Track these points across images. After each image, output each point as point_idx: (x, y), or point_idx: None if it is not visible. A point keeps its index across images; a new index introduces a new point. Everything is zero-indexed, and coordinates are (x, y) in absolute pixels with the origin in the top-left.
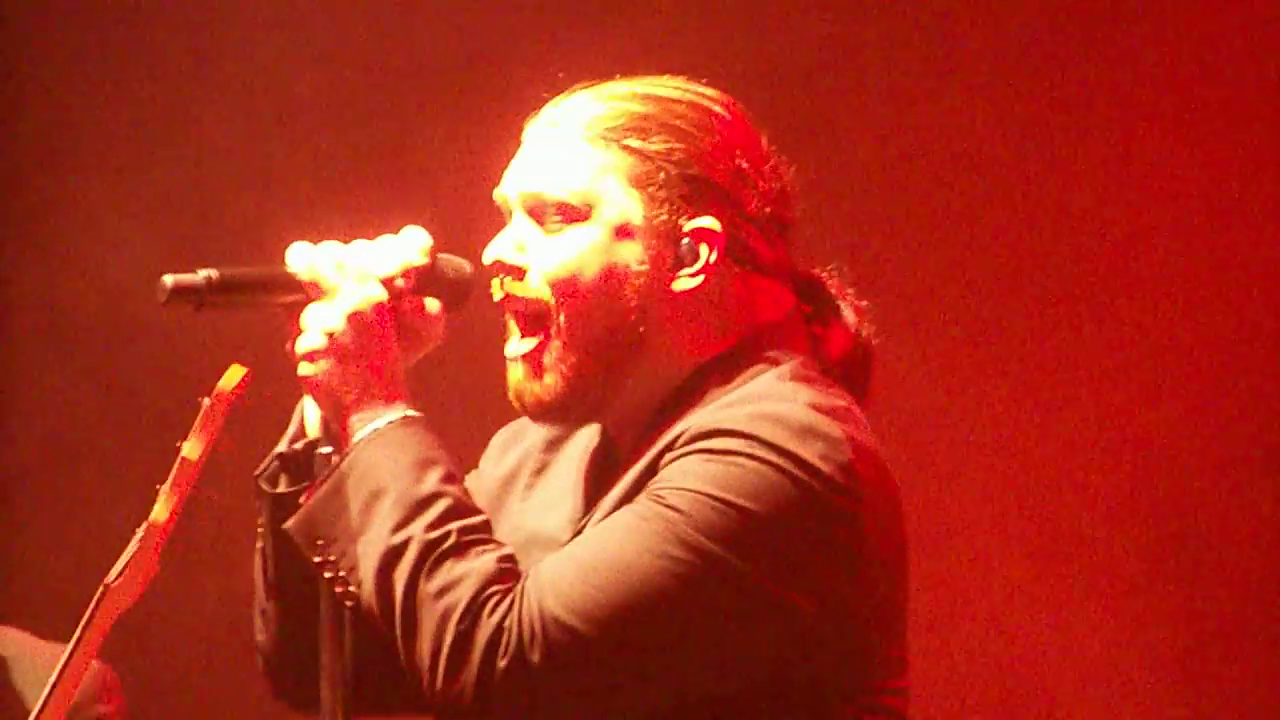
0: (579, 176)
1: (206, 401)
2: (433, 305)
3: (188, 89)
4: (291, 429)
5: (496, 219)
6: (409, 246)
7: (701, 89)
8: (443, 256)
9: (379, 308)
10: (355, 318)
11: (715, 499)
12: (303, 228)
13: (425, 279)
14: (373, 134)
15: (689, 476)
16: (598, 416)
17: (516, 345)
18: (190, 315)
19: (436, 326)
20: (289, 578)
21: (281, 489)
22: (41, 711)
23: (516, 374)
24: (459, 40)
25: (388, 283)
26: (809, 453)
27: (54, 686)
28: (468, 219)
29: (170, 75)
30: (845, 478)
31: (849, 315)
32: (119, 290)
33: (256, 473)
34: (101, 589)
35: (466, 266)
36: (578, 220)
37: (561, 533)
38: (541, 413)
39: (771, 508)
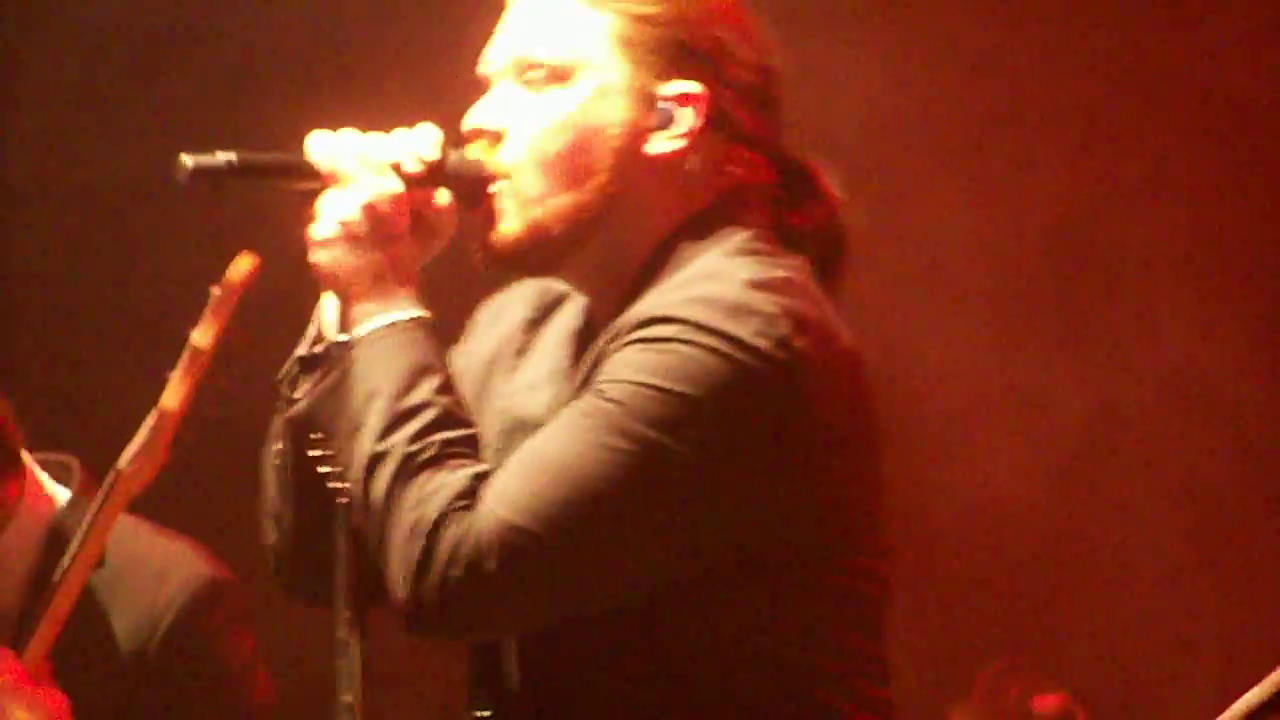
0: (564, 37)
1: (216, 290)
2: (442, 198)
3: None
4: (311, 331)
5: None
6: (423, 140)
7: None
8: (455, 152)
9: (395, 199)
10: (370, 208)
11: (652, 387)
12: (321, 117)
13: (437, 174)
14: (394, 27)
15: (626, 367)
16: (557, 272)
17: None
18: (207, 196)
19: (448, 221)
20: (306, 481)
21: (301, 394)
22: (55, 595)
23: (481, 214)
24: None
25: (401, 174)
26: (743, 330)
27: (66, 572)
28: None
29: None
30: (783, 352)
31: (824, 200)
32: (127, 176)
33: (277, 377)
34: (112, 474)
35: (481, 163)
36: (559, 80)
37: (547, 416)
38: (494, 258)
39: (709, 389)
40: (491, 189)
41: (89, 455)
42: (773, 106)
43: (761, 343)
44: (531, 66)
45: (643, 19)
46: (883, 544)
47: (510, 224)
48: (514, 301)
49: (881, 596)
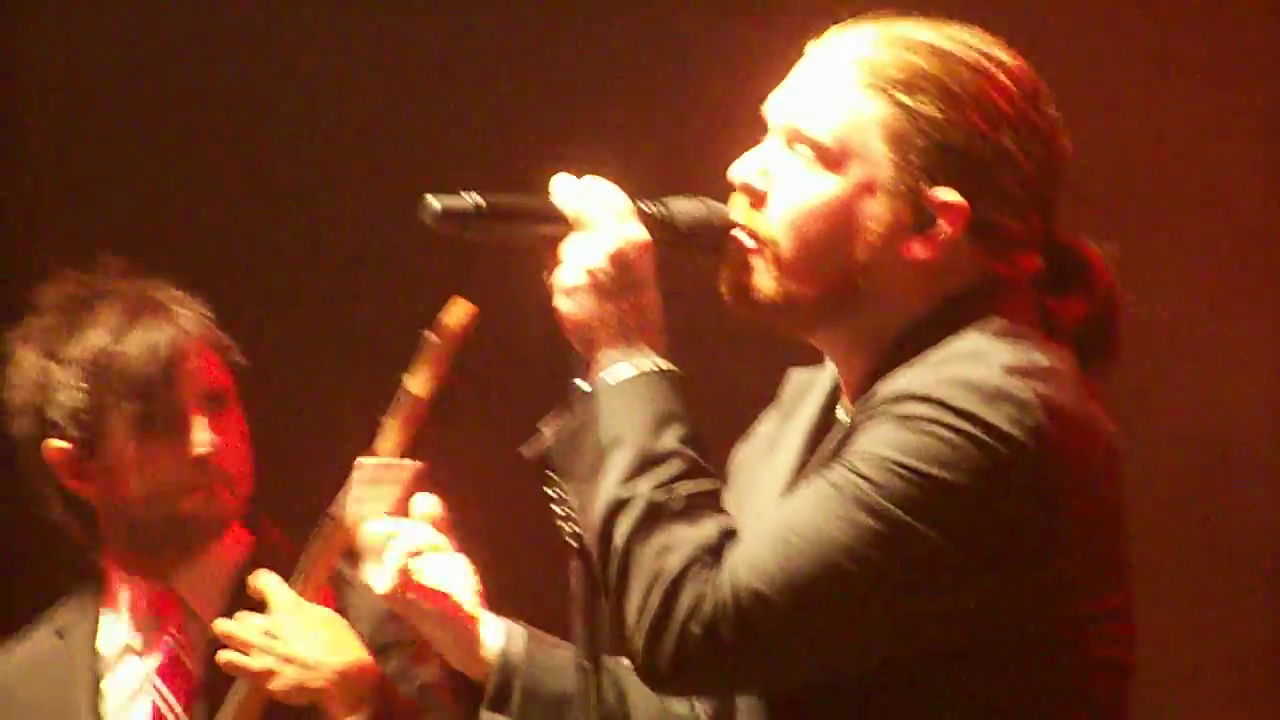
0: (840, 121)
1: (432, 337)
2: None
3: None
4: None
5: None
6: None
7: (994, 50)
8: (684, 201)
9: (642, 248)
10: (618, 256)
11: (903, 466)
12: (555, 158)
13: (670, 224)
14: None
15: (879, 443)
16: (809, 336)
17: (743, 236)
18: (449, 237)
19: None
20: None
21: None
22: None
23: (733, 258)
24: None
25: (646, 223)
26: (998, 417)
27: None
28: (726, 142)
29: None
30: (1036, 441)
31: (1095, 285)
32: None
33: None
34: (328, 521)
35: (703, 209)
36: (828, 165)
37: (776, 495)
38: (746, 305)
39: (959, 474)
40: (743, 243)
41: (299, 498)
42: (1051, 205)
43: (1016, 431)
44: (802, 140)
45: (922, 118)
46: (1125, 633)
47: (764, 285)
48: (806, 386)
49: (1121, 686)
